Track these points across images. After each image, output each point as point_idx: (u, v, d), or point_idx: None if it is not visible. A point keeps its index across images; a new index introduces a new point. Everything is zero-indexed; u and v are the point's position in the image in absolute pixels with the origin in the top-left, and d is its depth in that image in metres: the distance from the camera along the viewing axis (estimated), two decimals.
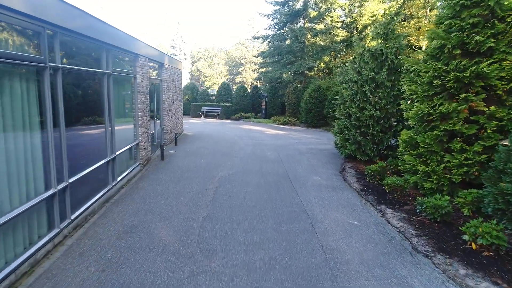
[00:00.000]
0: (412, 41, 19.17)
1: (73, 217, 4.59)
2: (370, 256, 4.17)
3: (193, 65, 75.61)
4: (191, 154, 10.19)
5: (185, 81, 55.70)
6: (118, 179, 6.50)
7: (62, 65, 4.29)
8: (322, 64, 23.50)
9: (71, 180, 4.53)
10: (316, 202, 6.20)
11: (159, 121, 10.99)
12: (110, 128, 6.06)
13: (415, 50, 18.71)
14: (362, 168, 8.98)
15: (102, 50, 5.73)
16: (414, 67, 6.79)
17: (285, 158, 10.12)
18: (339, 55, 23.56)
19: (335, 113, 11.02)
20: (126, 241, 4.34)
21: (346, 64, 9.46)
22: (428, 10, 19.92)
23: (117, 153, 6.40)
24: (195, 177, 7.58)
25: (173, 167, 8.56)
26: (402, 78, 7.65)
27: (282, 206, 5.94)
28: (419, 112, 6.38)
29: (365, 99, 9.31)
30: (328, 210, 5.82)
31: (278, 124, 20.60)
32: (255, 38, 25.24)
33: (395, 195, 6.54)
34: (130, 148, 7.49)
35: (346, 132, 9.69)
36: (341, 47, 22.15)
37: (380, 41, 9.56)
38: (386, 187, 6.76)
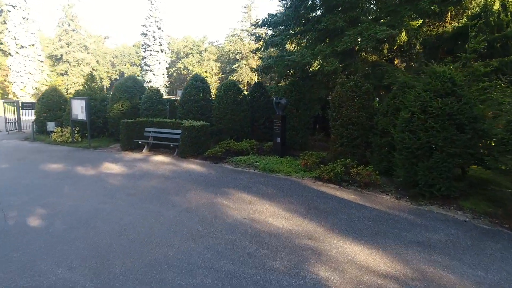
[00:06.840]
0: None
1: None
2: None
3: (177, 61, 62.72)
4: None
5: (163, 80, 40.76)
6: None
7: None
8: (403, 36, 10.84)
9: None
10: None
11: None
12: None
13: None
14: None
15: None
16: None
17: None
18: (435, 21, 10.95)
19: None
20: None
21: None
22: None
23: None
24: None
25: None
26: None
27: None
28: None
29: None
30: None
31: (325, 183, 7.77)
32: None
33: None
34: None
35: None
36: None
37: None
38: None
